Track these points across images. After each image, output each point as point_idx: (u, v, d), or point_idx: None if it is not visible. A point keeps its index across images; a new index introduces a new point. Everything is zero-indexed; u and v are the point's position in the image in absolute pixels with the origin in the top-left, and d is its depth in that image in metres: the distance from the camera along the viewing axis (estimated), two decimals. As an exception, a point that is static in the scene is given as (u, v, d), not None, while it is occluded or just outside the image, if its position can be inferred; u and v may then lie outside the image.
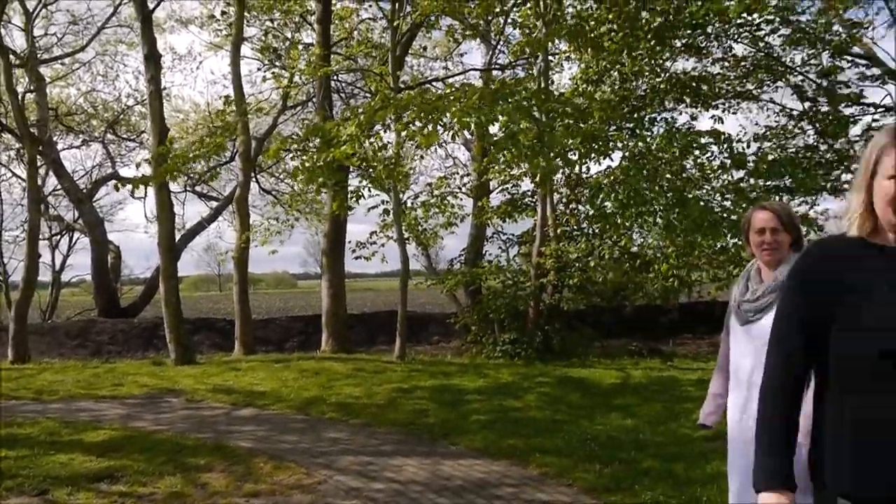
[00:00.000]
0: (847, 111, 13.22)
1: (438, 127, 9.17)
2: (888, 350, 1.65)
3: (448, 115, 8.89)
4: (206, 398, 8.42)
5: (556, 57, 14.23)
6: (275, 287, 79.50)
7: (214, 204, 22.09)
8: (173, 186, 15.67)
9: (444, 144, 18.02)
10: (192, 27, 25.61)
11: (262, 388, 8.88)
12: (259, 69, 18.81)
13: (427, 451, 5.95)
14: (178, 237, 16.78)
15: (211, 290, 63.99)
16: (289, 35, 17.54)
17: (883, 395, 1.67)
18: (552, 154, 9.22)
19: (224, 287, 56.25)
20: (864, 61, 14.52)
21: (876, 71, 14.41)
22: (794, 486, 1.81)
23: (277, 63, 17.39)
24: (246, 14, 14.89)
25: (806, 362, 1.85)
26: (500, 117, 8.87)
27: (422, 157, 17.66)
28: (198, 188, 22.14)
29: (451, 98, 9.14)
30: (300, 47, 16.31)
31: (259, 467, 5.41)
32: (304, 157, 11.39)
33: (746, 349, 2.97)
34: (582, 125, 9.99)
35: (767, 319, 2.75)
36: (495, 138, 10.23)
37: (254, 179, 18.57)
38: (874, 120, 13.17)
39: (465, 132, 11.32)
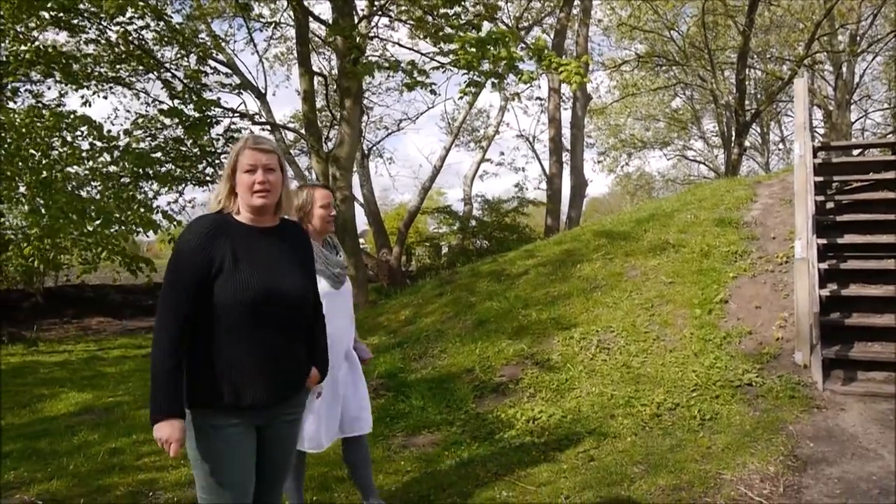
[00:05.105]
0: (210, 112, 14.73)
1: None
2: (248, 301, 2.38)
3: None
4: None
5: None
6: None
7: None
8: None
9: None
10: None
11: None
12: None
13: None
14: None
15: None
16: None
17: (249, 332, 2.40)
18: None
19: None
20: (226, 69, 16.43)
21: (236, 80, 16.48)
22: (182, 413, 2.34)
23: None
24: None
25: (192, 312, 2.37)
26: None
27: None
28: None
29: None
30: None
31: None
32: None
33: (341, 308, 3.42)
34: None
35: (346, 281, 3.47)
36: None
37: None
38: (232, 122, 15.08)
39: None
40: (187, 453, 2.47)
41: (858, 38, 20.41)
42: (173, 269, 2.41)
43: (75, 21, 12.42)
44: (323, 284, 3.34)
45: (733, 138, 19.63)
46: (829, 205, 7.39)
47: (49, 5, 11.37)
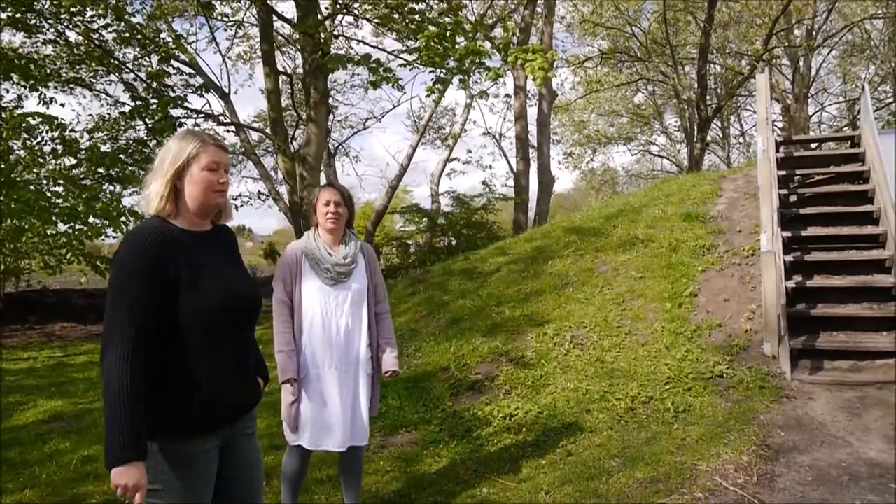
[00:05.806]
0: (174, 112, 14.47)
1: None
2: (214, 310, 2.23)
3: None
4: None
5: None
6: None
7: None
8: None
9: None
10: None
11: None
12: None
13: None
14: None
15: None
16: None
17: (216, 343, 2.25)
18: None
19: None
20: (189, 70, 16.17)
21: (199, 80, 16.23)
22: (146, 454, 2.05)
23: None
24: None
25: (150, 332, 2.10)
26: None
27: None
28: None
29: None
30: None
31: None
32: None
33: (338, 305, 3.39)
34: None
35: (356, 280, 3.46)
36: None
37: None
38: (196, 124, 14.84)
39: None
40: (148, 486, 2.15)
41: (814, 33, 20.88)
42: (124, 286, 2.13)
43: (33, 21, 12.12)
44: (316, 282, 3.41)
45: (696, 133, 19.94)
46: (793, 198, 7.57)
47: (3, 5, 11.10)
